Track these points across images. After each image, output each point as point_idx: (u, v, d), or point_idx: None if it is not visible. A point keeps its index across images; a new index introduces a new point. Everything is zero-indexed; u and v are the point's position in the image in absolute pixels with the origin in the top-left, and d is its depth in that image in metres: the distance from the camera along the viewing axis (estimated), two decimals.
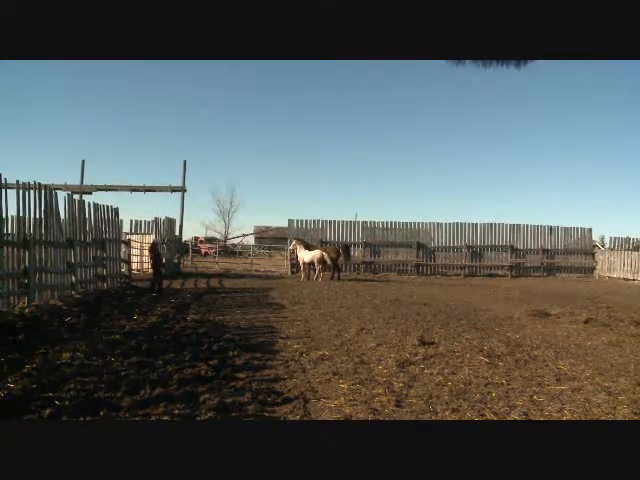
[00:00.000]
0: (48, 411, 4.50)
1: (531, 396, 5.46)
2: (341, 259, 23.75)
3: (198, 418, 4.51)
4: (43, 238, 11.80)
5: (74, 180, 28.69)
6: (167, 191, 29.16)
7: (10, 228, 11.02)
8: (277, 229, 64.17)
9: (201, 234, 66.38)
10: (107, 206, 16.34)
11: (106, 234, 16.10)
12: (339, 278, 22.75)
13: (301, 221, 29.12)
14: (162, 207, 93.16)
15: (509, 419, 4.74)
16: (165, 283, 17.71)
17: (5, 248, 10.31)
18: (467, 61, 4.43)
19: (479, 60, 4.39)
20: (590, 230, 31.66)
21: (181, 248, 29.15)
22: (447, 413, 4.86)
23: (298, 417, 4.66)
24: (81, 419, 4.35)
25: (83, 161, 29.02)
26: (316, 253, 21.99)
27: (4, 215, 10.39)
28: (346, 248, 25.11)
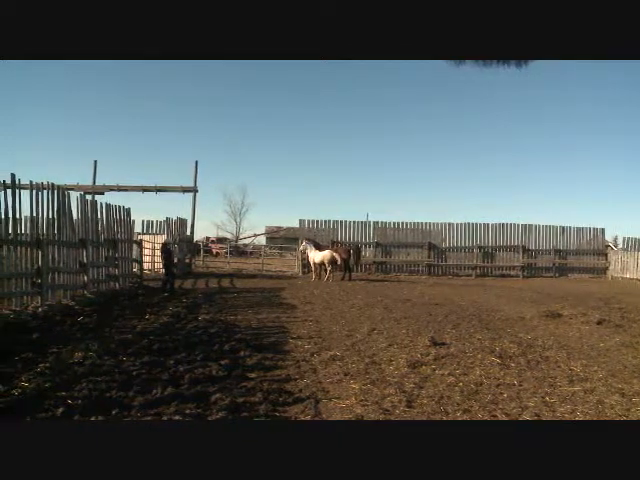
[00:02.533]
0: (61, 410, 4.53)
1: (543, 397, 5.42)
2: (352, 260, 23.70)
3: (209, 418, 4.52)
4: (56, 238, 11.91)
5: (86, 180, 28.99)
6: (179, 191, 29.33)
7: (24, 228, 11.13)
8: (288, 229, 64.18)
9: (212, 234, 66.65)
10: (119, 206, 16.45)
11: (118, 234, 16.20)
12: (350, 278, 22.70)
13: (312, 221, 29.12)
14: (174, 207, 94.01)
15: (521, 420, 4.71)
16: (176, 283, 17.81)
17: (19, 248, 10.41)
18: (468, 61, 4.41)
19: (480, 60, 4.36)
20: (603, 230, 31.43)
21: (192, 248, 29.27)
22: (458, 414, 4.84)
23: (309, 417, 4.65)
24: (93, 418, 4.38)
25: (95, 161, 29.25)
26: (326, 254, 21.94)
27: (18, 215, 10.49)
28: (357, 249, 25.06)
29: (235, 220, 79.03)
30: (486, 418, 4.74)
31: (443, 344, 8.12)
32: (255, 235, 73.89)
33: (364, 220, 31.26)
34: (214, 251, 48.60)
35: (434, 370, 6.46)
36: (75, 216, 13.21)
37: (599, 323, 10.60)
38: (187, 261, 27.08)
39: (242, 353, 7.07)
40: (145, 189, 29.23)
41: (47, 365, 6.12)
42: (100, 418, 4.39)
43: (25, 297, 10.56)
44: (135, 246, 19.38)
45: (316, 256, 22.37)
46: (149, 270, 23.45)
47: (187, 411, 4.64)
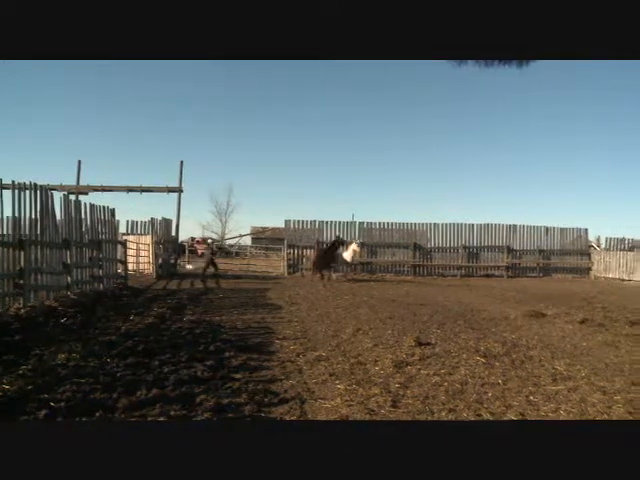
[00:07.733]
0: (43, 412, 4.48)
1: (527, 396, 5.46)
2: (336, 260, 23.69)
3: (194, 419, 4.50)
4: (39, 239, 11.77)
5: (70, 180, 28.65)
6: (164, 192, 29.14)
7: (6, 229, 10.99)
8: (274, 230, 64.05)
9: (198, 235, 66.34)
10: (103, 206, 16.29)
11: (102, 235, 16.05)
12: (330, 278, 22.96)
13: (298, 222, 29.10)
14: (159, 208, 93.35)
15: (505, 419, 4.75)
16: (161, 284, 17.89)
17: (1, 249, 10.28)
18: (468, 61, 4.42)
19: (481, 60, 4.38)
20: (586, 230, 31.73)
21: (177, 248, 29.13)
22: (443, 413, 4.86)
23: (295, 418, 4.65)
24: (77, 420, 4.33)
25: (79, 161, 28.95)
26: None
27: (0, 215, 10.37)
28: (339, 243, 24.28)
29: (221, 221, 78.86)
30: (471, 417, 4.77)
31: (428, 344, 8.16)
32: (241, 235, 73.64)
33: (350, 220, 31.26)
34: (199, 252, 48.31)
35: (419, 370, 6.48)
36: (58, 216, 13.05)
37: (582, 322, 10.71)
38: (172, 262, 26.93)
39: (227, 354, 7.05)
40: (130, 189, 29.00)
41: (29, 367, 6.05)
42: (84, 420, 4.35)
43: (7, 298, 10.42)
44: (120, 247, 19.23)
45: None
46: (134, 271, 23.28)
47: (172, 412, 4.61)
